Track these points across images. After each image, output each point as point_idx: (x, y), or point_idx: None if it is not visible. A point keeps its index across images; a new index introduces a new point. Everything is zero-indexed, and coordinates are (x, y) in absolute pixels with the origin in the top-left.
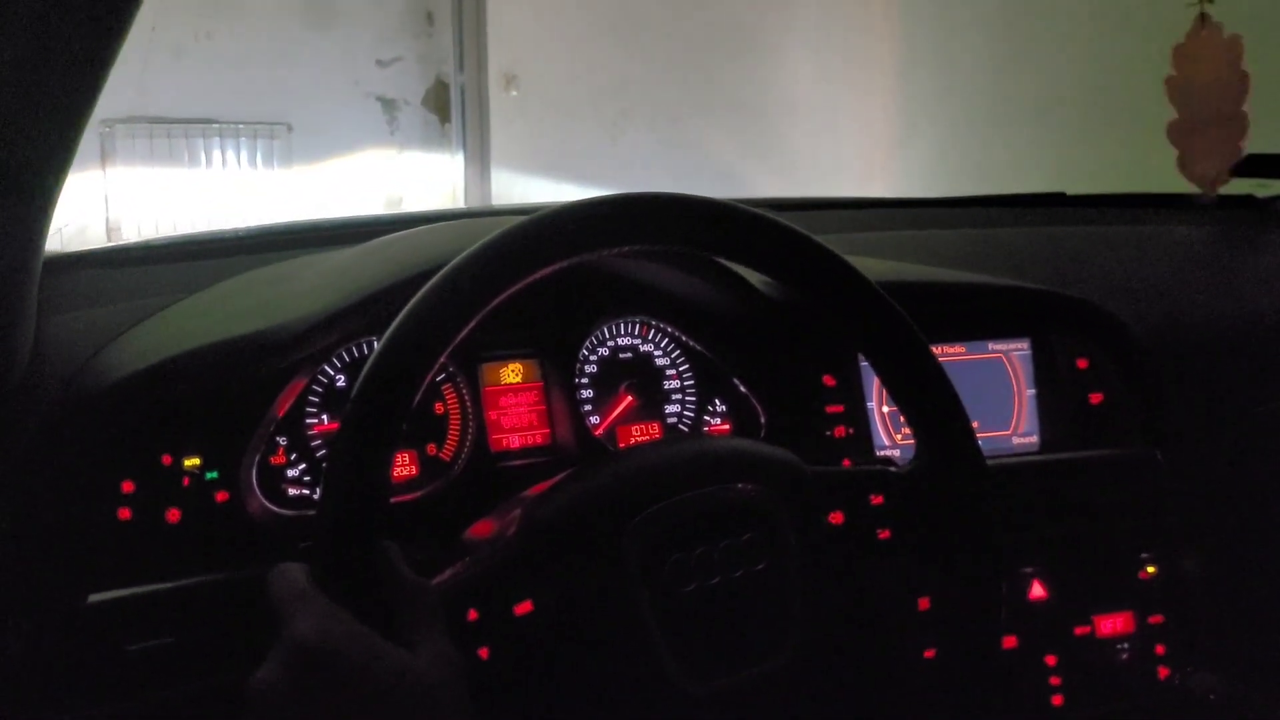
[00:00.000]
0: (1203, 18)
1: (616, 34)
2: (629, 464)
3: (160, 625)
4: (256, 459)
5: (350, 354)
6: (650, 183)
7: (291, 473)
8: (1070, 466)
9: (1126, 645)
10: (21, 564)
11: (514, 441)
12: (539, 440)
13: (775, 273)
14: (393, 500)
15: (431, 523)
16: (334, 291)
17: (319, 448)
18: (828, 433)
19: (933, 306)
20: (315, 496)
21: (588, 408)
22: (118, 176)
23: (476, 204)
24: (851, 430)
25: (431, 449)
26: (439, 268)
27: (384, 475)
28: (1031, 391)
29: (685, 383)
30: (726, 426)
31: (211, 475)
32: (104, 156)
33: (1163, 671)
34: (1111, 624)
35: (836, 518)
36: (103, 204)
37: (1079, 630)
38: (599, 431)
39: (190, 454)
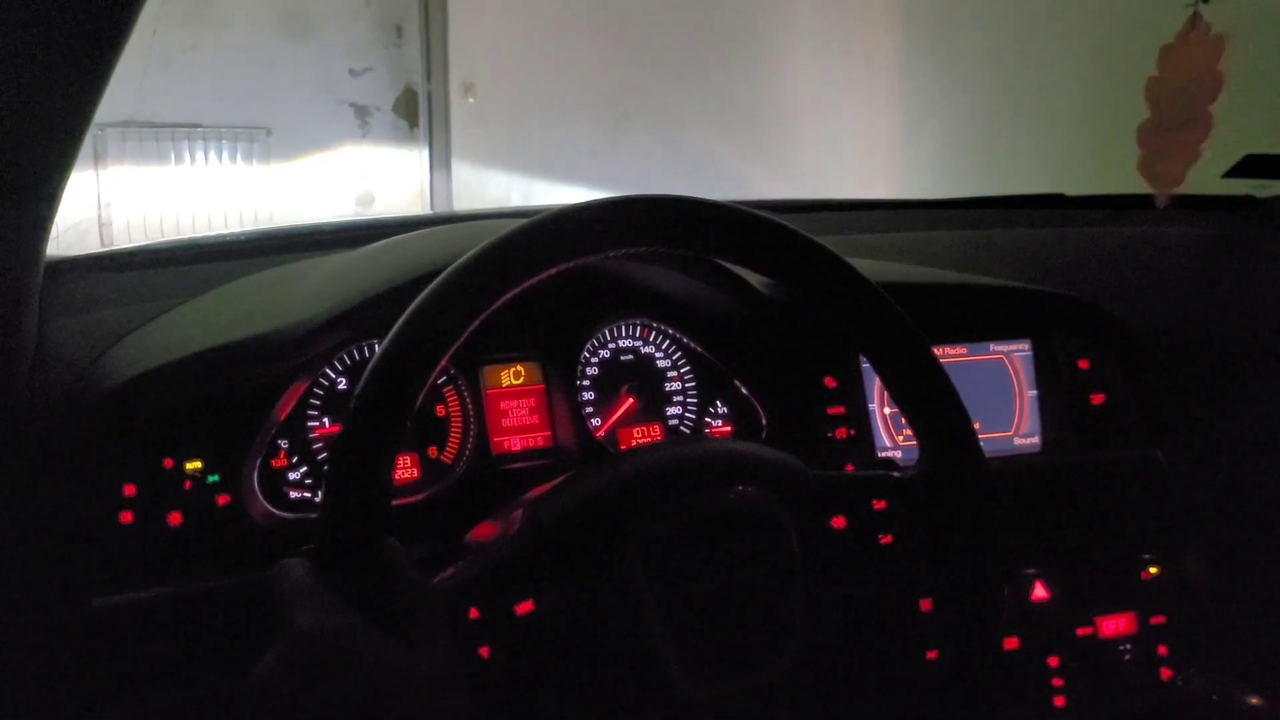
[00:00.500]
0: (1194, 19)
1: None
2: (630, 466)
3: (162, 629)
4: (258, 462)
5: (351, 357)
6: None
7: (293, 476)
8: (1072, 467)
9: (1129, 646)
10: (24, 568)
11: (515, 444)
12: (540, 443)
13: (777, 274)
14: (394, 503)
15: (433, 525)
16: (335, 295)
17: (320, 451)
18: (829, 434)
19: (934, 308)
20: (317, 499)
21: (589, 410)
22: (110, 178)
23: (442, 201)
24: (853, 432)
25: (433, 451)
26: (440, 271)
27: (386, 478)
28: (1033, 392)
29: (686, 385)
30: (728, 428)
31: (213, 478)
32: (97, 159)
33: (1165, 672)
34: (1114, 625)
35: (839, 522)
36: (95, 204)
37: (1081, 631)
38: (600, 434)
39: (192, 457)
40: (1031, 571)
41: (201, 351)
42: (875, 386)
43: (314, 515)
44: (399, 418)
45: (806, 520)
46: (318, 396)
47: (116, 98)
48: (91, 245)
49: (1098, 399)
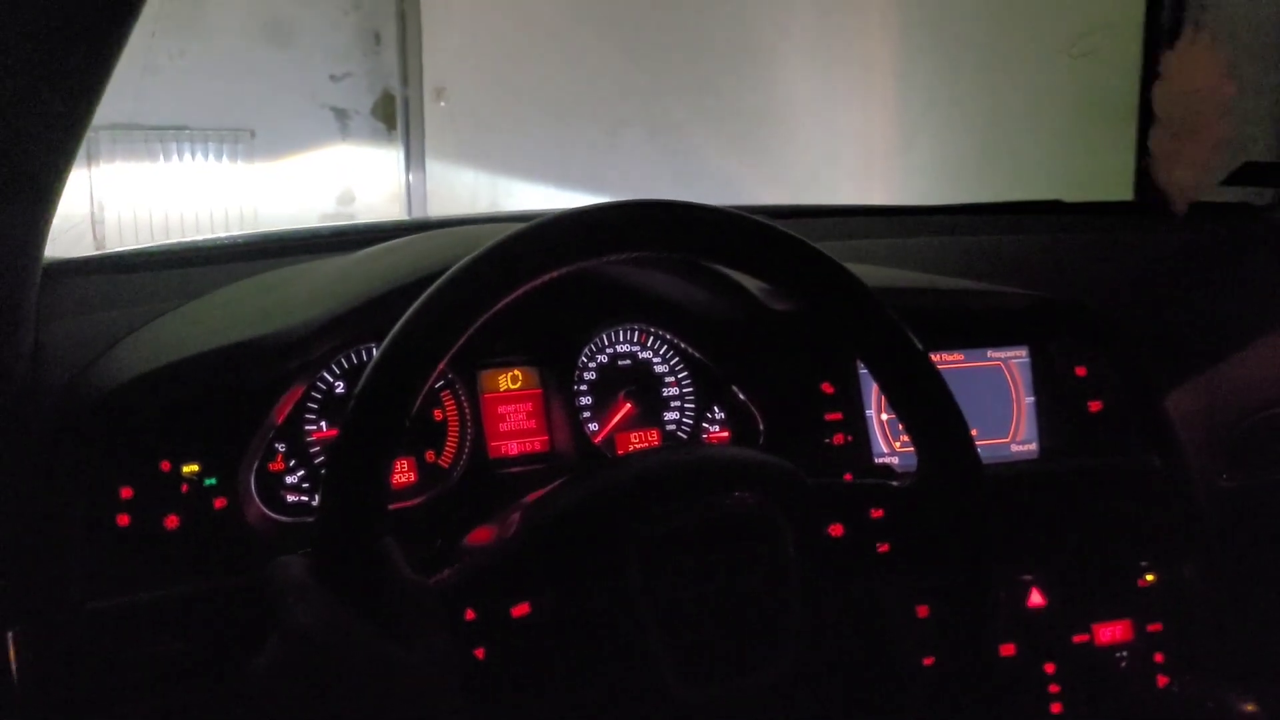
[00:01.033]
0: (1195, 26)
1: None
2: (627, 471)
3: (158, 632)
4: (255, 466)
5: (349, 360)
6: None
7: (290, 479)
8: (1069, 474)
9: (1125, 653)
10: (20, 570)
11: (512, 448)
12: (537, 447)
13: (774, 279)
14: (391, 507)
15: (430, 529)
16: (332, 298)
17: (318, 454)
18: (826, 440)
19: (931, 314)
20: (314, 503)
21: (586, 415)
22: (103, 178)
23: (418, 199)
24: (850, 438)
25: (430, 456)
26: (438, 274)
27: (383, 482)
28: (1030, 399)
29: (684, 390)
30: (725, 434)
31: (210, 482)
32: (90, 160)
33: (1161, 680)
34: (1110, 632)
35: (836, 530)
36: (89, 203)
37: (1078, 638)
38: (598, 439)
39: (189, 460)
40: (1028, 578)
41: (199, 354)
42: (872, 392)
43: (311, 519)
44: (397, 421)
45: (803, 527)
46: (315, 400)
47: (109, 102)
48: (86, 242)
49: (1095, 406)
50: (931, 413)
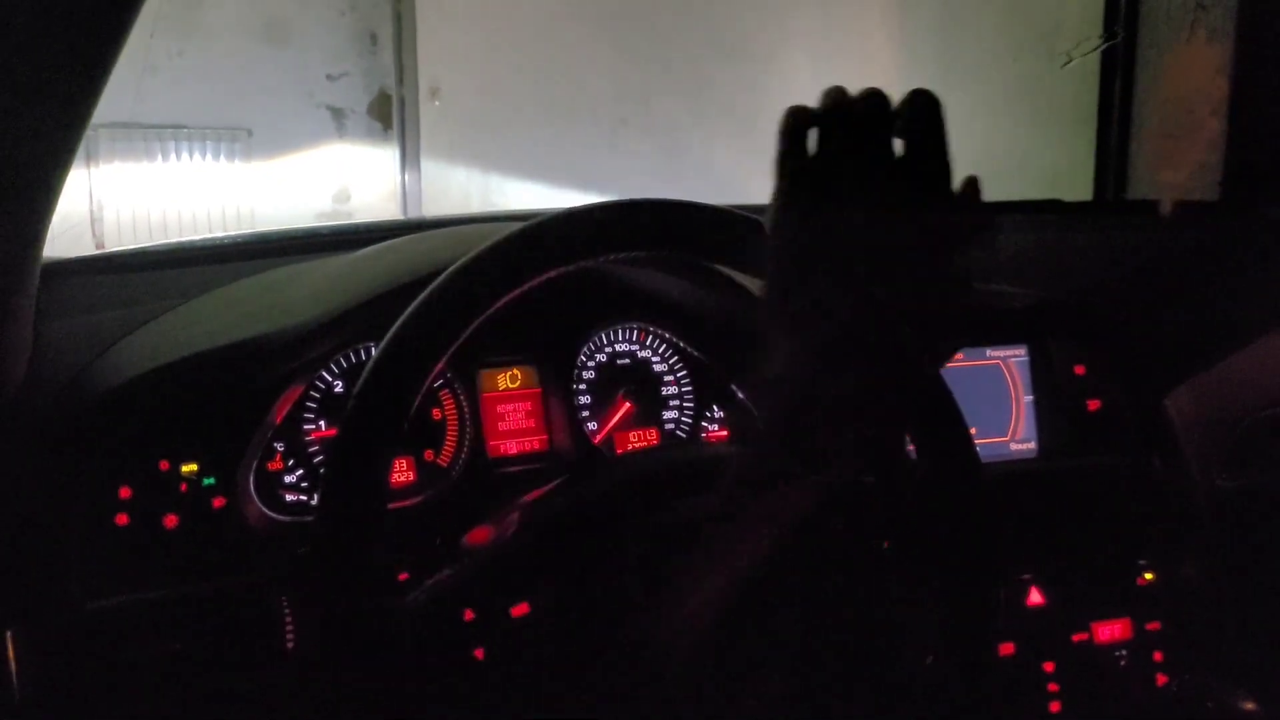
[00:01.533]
0: (1192, 28)
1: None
2: (627, 470)
3: (157, 631)
4: (254, 465)
5: (348, 360)
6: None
7: (289, 479)
8: (1068, 473)
9: (1124, 652)
10: (19, 570)
11: (511, 447)
12: (537, 446)
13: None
14: (390, 506)
15: (429, 528)
16: (331, 297)
17: (316, 454)
18: None
19: None
20: (313, 503)
21: (585, 414)
22: (102, 176)
23: (413, 198)
24: None
25: (429, 455)
26: (436, 274)
27: (382, 482)
28: (1029, 398)
29: (683, 389)
30: (724, 433)
31: (209, 481)
32: (89, 159)
33: (1160, 678)
34: (1109, 631)
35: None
36: (89, 201)
37: (1077, 637)
38: (597, 438)
39: (188, 460)
40: (1027, 577)
41: (198, 354)
42: None
43: (310, 518)
44: (396, 421)
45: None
46: (314, 399)
47: (108, 100)
48: (85, 241)
49: (1094, 405)
50: (931, 415)
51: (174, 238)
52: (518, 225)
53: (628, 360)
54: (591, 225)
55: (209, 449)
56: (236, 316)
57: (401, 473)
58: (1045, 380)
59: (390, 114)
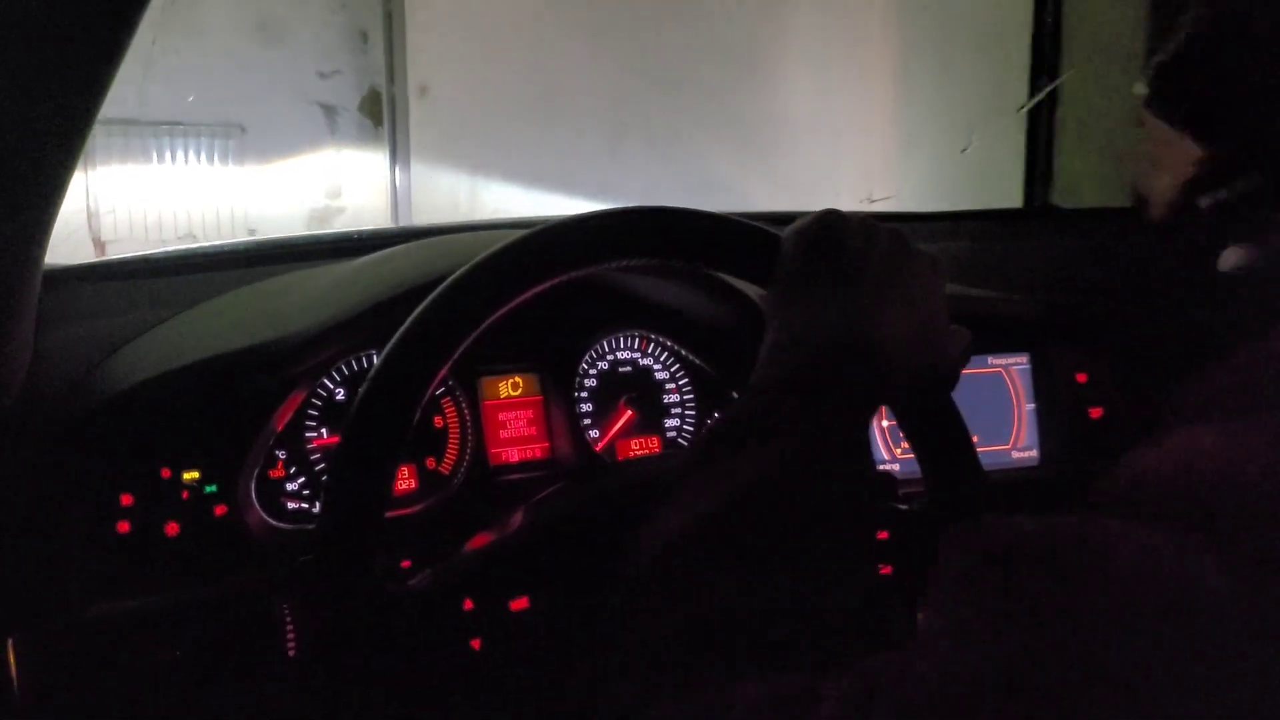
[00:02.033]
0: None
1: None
2: (628, 479)
3: (159, 639)
4: (255, 472)
5: (350, 367)
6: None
7: (290, 486)
8: (1070, 480)
9: None
10: (21, 577)
11: (513, 455)
12: (538, 454)
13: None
14: (392, 514)
15: (431, 536)
16: (333, 305)
17: (318, 461)
18: None
19: None
20: (314, 510)
21: (587, 421)
22: (98, 173)
23: (403, 193)
24: None
25: (431, 463)
26: (439, 281)
27: (385, 489)
28: (1031, 406)
29: (685, 397)
30: None
31: (210, 489)
32: (86, 154)
33: None
34: None
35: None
36: (85, 196)
37: None
38: (599, 446)
39: (189, 467)
40: None
41: (199, 361)
42: None
43: (311, 526)
44: (399, 428)
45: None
46: (316, 407)
47: (108, 98)
48: (81, 234)
49: (1096, 412)
50: (939, 436)
51: (171, 231)
52: (521, 232)
53: (629, 368)
54: (591, 233)
55: (210, 456)
56: (238, 323)
57: (403, 480)
58: (1047, 388)
59: (381, 111)
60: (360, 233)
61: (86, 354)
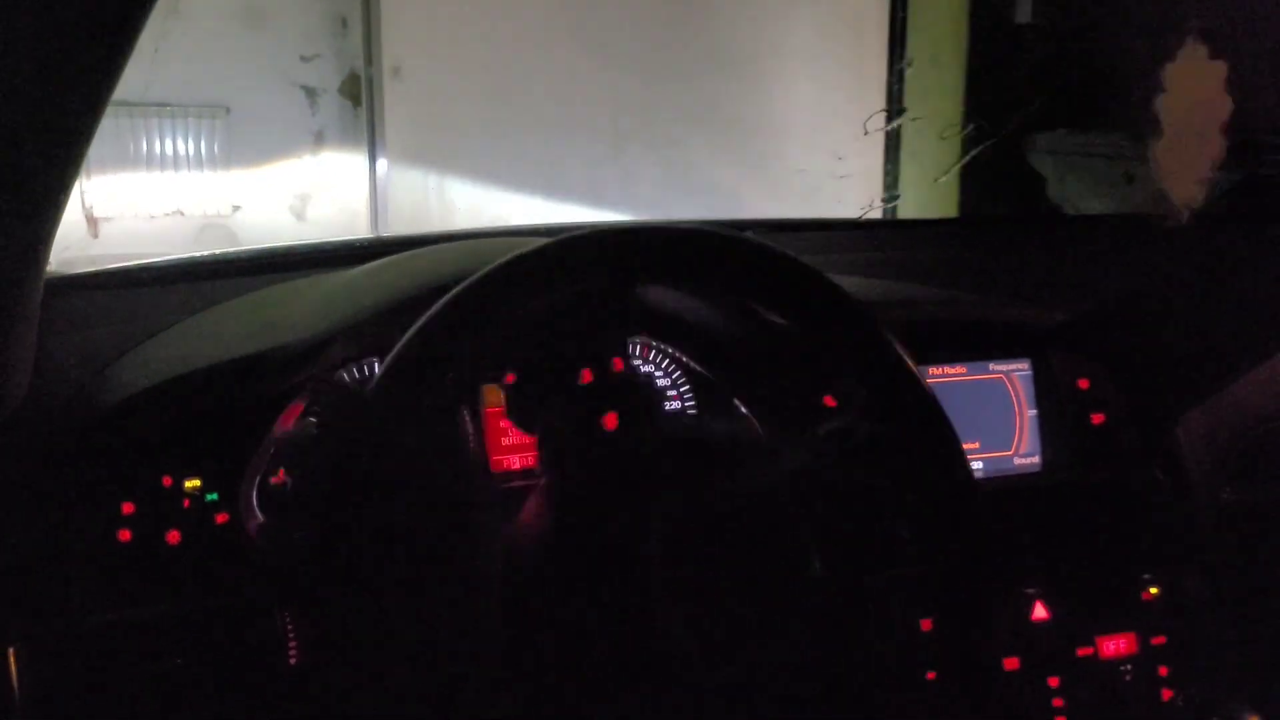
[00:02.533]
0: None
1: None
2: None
3: (160, 647)
4: (257, 480)
5: (351, 375)
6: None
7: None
8: (1072, 487)
9: (1129, 666)
10: (22, 586)
11: (514, 463)
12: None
13: (755, 296)
14: None
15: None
16: (335, 312)
17: None
18: None
19: (933, 327)
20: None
21: None
22: (91, 152)
23: (380, 173)
24: None
25: None
26: (442, 289)
27: None
28: (1033, 412)
29: (686, 404)
30: None
31: (212, 496)
32: None
33: (1166, 693)
34: (1114, 645)
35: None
36: (82, 177)
37: (1081, 651)
38: None
39: (191, 475)
40: (1032, 591)
41: (201, 369)
42: None
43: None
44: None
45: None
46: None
47: None
48: (75, 212)
49: (1098, 419)
50: (921, 431)
51: (159, 208)
52: (527, 242)
53: (630, 374)
54: (584, 252)
55: (212, 464)
56: (239, 331)
57: None
58: (1049, 394)
59: (360, 93)
60: (363, 240)
61: (88, 362)
